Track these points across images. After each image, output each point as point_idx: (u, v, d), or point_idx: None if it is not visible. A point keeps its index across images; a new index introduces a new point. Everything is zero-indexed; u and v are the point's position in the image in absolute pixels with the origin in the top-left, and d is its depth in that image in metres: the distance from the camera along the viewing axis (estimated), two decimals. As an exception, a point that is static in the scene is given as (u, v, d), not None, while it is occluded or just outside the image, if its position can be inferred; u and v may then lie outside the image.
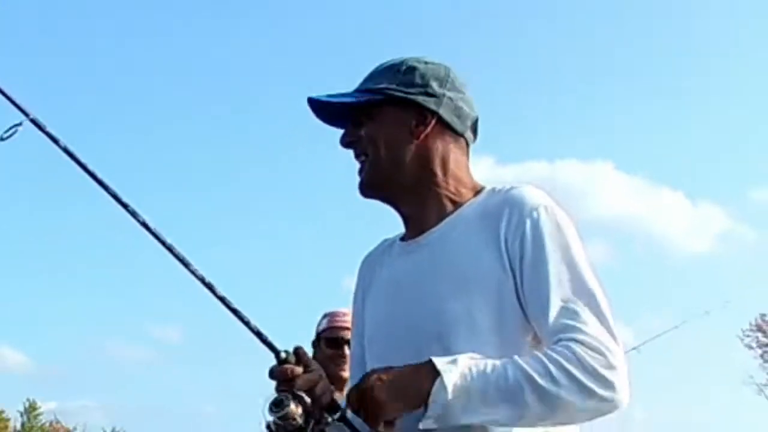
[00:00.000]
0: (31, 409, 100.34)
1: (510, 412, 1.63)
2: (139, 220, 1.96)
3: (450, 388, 1.59)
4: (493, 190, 1.93)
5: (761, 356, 51.62)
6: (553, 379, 1.60)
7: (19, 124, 2.21)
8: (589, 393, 1.60)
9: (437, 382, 1.60)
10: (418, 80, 1.91)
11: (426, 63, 1.96)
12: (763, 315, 52.24)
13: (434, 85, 1.92)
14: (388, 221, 2.16)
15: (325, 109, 1.99)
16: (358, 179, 1.97)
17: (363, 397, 1.69)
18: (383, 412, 1.67)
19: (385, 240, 2.16)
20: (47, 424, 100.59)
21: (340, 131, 2.03)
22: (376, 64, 2.02)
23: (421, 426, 1.63)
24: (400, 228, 2.10)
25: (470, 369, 1.65)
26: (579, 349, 1.62)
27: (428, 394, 1.61)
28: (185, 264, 1.91)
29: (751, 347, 51.48)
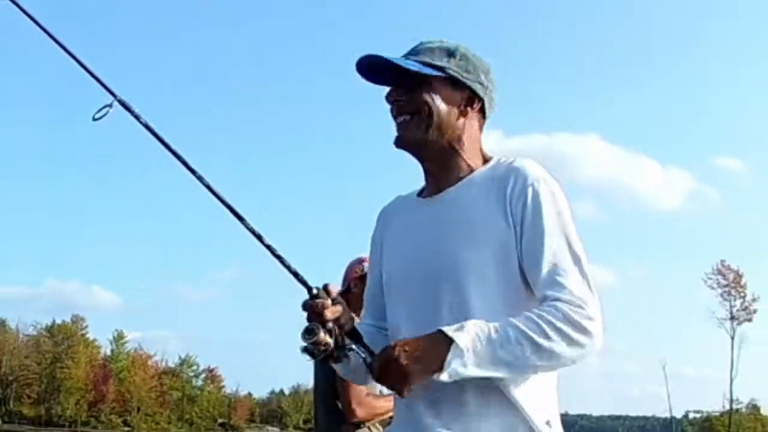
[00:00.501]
0: (118, 338, 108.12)
1: (512, 367, 1.87)
2: (204, 184, 2.16)
3: (463, 352, 1.82)
4: (499, 160, 2.17)
5: (721, 296, 54.42)
6: (546, 336, 1.84)
7: (110, 105, 2.36)
8: (575, 343, 1.86)
9: (452, 348, 1.82)
10: (470, 68, 2.13)
11: (473, 54, 2.18)
12: (722, 261, 54.89)
13: (482, 77, 2.15)
14: (402, 181, 2.45)
15: (376, 67, 2.14)
16: (396, 130, 2.15)
17: (389, 367, 1.90)
18: (410, 378, 1.89)
19: (400, 196, 2.39)
20: (132, 351, 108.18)
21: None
22: (421, 40, 2.20)
23: (441, 378, 1.86)
24: (411, 187, 2.35)
25: (477, 334, 1.86)
26: (564, 306, 1.87)
27: (445, 359, 1.83)
28: (241, 219, 2.12)
29: (713, 288, 55.39)
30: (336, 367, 2.24)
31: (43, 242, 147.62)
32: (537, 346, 1.87)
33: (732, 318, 65.82)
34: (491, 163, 2.19)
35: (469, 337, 1.87)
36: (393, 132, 2.21)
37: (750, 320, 65.84)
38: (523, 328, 1.89)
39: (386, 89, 2.21)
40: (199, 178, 2.19)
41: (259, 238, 2.14)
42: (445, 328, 1.89)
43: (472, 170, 2.17)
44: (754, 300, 66.15)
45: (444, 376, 1.88)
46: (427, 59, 2.11)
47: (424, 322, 2.04)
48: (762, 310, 68.53)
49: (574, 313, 1.89)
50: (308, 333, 2.01)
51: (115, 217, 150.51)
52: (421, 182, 2.34)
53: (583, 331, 1.89)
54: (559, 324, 1.87)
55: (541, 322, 1.88)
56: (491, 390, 2.00)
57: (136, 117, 2.34)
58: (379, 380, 2.05)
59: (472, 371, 1.87)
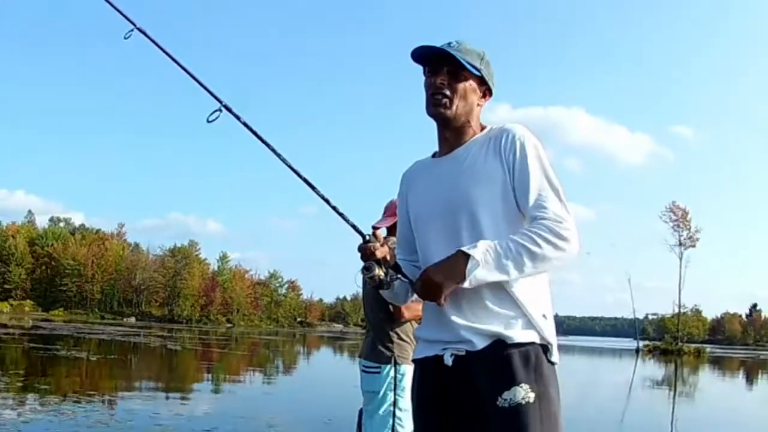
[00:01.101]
0: (223, 258, 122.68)
1: (514, 271, 2.10)
2: (291, 168, 2.44)
3: (478, 263, 2.08)
4: (492, 127, 2.40)
5: (672, 228, 69.79)
6: (537, 245, 2.09)
7: (219, 110, 2.60)
8: (558, 248, 2.11)
9: (469, 261, 2.08)
10: (490, 71, 2.40)
11: (489, 61, 2.40)
12: (673, 202, 70.56)
13: (493, 79, 2.42)
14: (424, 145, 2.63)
15: (428, 55, 2.35)
16: (434, 104, 2.32)
17: (427, 285, 2.18)
18: (442, 290, 2.15)
19: (417, 161, 2.59)
20: (233, 267, 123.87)
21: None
22: (460, 38, 2.37)
23: (464, 285, 2.11)
24: (425, 154, 2.55)
25: (487, 249, 2.10)
26: (548, 222, 2.12)
27: (465, 270, 2.08)
28: (314, 188, 2.42)
29: (666, 222, 73.70)
30: (382, 293, 2.45)
31: (170, 187, 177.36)
32: (531, 253, 2.08)
33: (680, 244, 73.54)
34: (486, 129, 2.40)
35: (481, 251, 2.08)
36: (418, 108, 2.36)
37: (694, 246, 74.22)
38: (520, 240, 2.10)
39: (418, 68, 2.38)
40: (288, 165, 2.42)
41: (327, 201, 2.41)
42: (463, 248, 2.11)
43: (474, 135, 2.37)
44: (696, 231, 74.55)
45: (466, 284, 2.10)
46: (469, 59, 2.31)
47: (449, 245, 2.23)
48: (703, 239, 76.10)
49: (555, 226, 2.10)
50: (366, 270, 2.29)
51: (223, 173, 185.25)
52: (429, 152, 2.52)
53: (563, 238, 2.11)
54: (545, 235, 2.09)
55: (532, 235, 2.10)
56: (499, 291, 2.19)
57: (237, 118, 2.55)
58: (421, 296, 2.26)
59: (486, 276, 2.09)
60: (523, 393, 2.07)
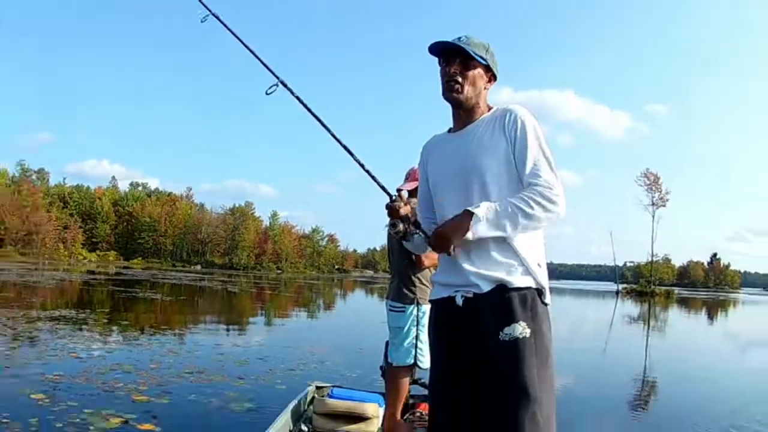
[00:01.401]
0: (274, 215, 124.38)
1: (510, 228, 2.15)
2: (327, 128, 2.56)
3: (480, 219, 2.13)
4: (497, 107, 2.40)
5: (646, 190, 71.05)
6: (531, 207, 2.14)
7: (276, 85, 2.64)
8: (547, 210, 2.16)
9: (473, 218, 2.14)
10: (494, 60, 2.41)
11: (493, 52, 2.41)
12: (647, 168, 69.83)
13: (497, 66, 2.42)
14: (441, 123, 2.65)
15: (444, 48, 2.37)
16: (449, 89, 2.36)
17: (439, 238, 2.25)
18: (451, 242, 2.21)
19: (435, 135, 2.59)
20: (282, 223, 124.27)
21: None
22: (468, 32, 2.37)
23: (467, 237, 2.16)
24: (441, 130, 2.56)
25: (488, 208, 2.15)
26: (540, 188, 2.16)
27: (469, 225, 2.14)
28: (351, 154, 2.54)
29: (641, 185, 73.35)
30: (405, 244, 2.53)
31: (231, 156, 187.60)
32: (525, 213, 2.13)
33: (653, 204, 74.45)
34: (493, 109, 2.40)
35: (483, 210, 2.14)
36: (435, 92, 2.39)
37: (664, 206, 75.51)
38: (516, 203, 2.15)
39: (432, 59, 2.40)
40: (332, 133, 2.52)
41: (362, 166, 2.50)
42: (469, 208, 2.17)
43: (483, 114, 2.39)
44: (666, 193, 75.81)
45: (469, 236, 2.15)
46: (476, 50, 2.34)
47: (460, 205, 2.26)
48: (672, 199, 77.98)
49: (546, 192, 2.15)
50: (392, 225, 2.35)
51: (275, 145, 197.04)
52: (445, 128, 2.53)
53: (552, 202, 2.16)
54: (537, 198, 2.14)
55: (527, 199, 2.14)
56: (502, 244, 2.23)
57: (291, 92, 2.59)
58: (434, 248, 2.31)
59: (486, 231, 2.15)
60: (521, 329, 2.16)
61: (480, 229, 2.14)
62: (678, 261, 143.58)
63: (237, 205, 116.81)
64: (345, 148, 2.53)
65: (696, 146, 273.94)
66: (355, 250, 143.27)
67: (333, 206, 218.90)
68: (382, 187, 2.46)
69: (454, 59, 2.34)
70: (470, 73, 2.35)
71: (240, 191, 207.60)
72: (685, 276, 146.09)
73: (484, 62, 2.37)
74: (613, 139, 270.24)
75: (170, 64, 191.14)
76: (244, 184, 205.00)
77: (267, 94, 2.63)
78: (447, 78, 2.36)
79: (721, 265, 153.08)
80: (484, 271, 2.23)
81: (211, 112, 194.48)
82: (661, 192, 75.08)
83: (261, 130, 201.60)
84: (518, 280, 2.22)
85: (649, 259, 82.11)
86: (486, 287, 2.22)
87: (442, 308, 2.38)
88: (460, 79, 2.34)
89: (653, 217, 75.05)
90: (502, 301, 2.20)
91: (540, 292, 2.27)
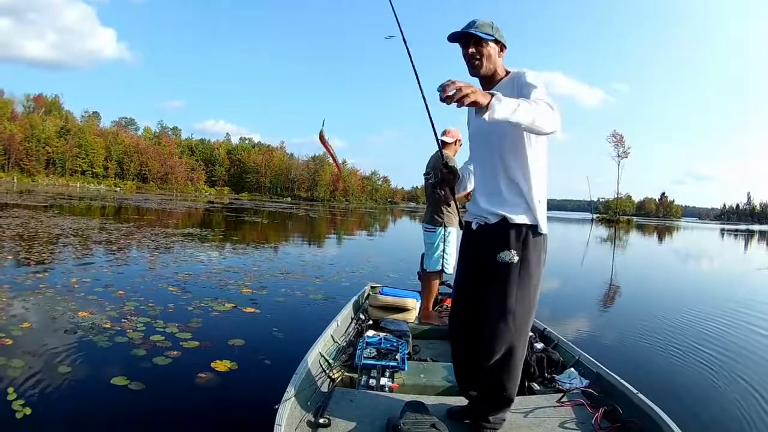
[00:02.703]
0: (344, 162, 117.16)
1: (524, 115, 1.85)
2: (425, 104, 2.44)
3: (500, 99, 1.82)
4: (513, 72, 2.27)
5: (613, 146, 74.54)
6: (541, 108, 1.91)
7: (394, 36, 2.56)
8: (551, 114, 1.92)
9: (494, 98, 1.80)
10: (500, 33, 2.27)
11: (498, 27, 2.28)
12: (615, 130, 69.37)
13: (504, 38, 2.29)
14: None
15: (459, 35, 2.25)
16: (472, 67, 2.26)
17: (466, 86, 1.76)
18: (470, 96, 1.76)
19: None
20: (350, 167, 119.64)
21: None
22: (474, 18, 2.26)
23: (485, 117, 1.80)
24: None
25: (507, 98, 1.85)
26: (547, 101, 1.97)
27: (491, 99, 1.80)
28: (426, 106, 2.44)
29: (609, 143, 73.17)
30: (435, 191, 2.72)
31: (314, 116, 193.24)
32: (537, 107, 1.90)
33: (618, 156, 75.58)
34: (510, 74, 2.28)
35: (502, 97, 1.84)
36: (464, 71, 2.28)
37: (626, 157, 76.53)
38: (531, 101, 1.94)
39: (455, 45, 2.27)
40: (424, 100, 2.42)
41: (433, 127, 2.51)
42: (493, 92, 1.83)
43: (501, 78, 2.28)
44: (629, 148, 76.69)
45: (486, 116, 1.79)
46: (485, 30, 2.23)
47: (485, 152, 2.27)
48: (632, 153, 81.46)
49: (550, 103, 1.96)
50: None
51: (348, 107, 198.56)
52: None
53: (554, 110, 1.94)
54: (546, 103, 1.95)
55: (539, 100, 1.95)
56: (511, 185, 2.19)
57: (405, 43, 2.52)
58: (453, 88, 1.75)
59: (502, 113, 1.81)
60: (511, 256, 2.15)
61: (498, 108, 1.81)
62: (636, 197, 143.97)
63: (317, 155, 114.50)
64: (427, 108, 2.45)
65: (651, 113, 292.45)
66: (402, 188, 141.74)
67: (388, 154, 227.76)
68: (436, 137, 2.62)
69: (470, 43, 2.24)
70: (485, 51, 2.24)
71: (320, 144, 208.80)
72: (642, 208, 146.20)
73: (492, 38, 2.25)
74: (590, 108, 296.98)
75: (285, 51, 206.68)
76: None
77: (386, 38, 2.57)
78: (468, 59, 2.26)
79: (668, 200, 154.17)
80: (493, 209, 2.20)
81: (300, 84, 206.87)
82: (624, 148, 76.36)
83: (339, 98, 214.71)
84: (518, 218, 2.17)
85: (615, 196, 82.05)
86: (493, 220, 2.20)
87: (466, 230, 2.40)
88: (478, 57, 2.24)
89: (618, 166, 77.02)
90: (502, 233, 2.18)
91: (535, 227, 2.18)
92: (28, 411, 2.87)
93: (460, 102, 1.75)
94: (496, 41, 2.28)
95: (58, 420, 2.86)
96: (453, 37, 2.27)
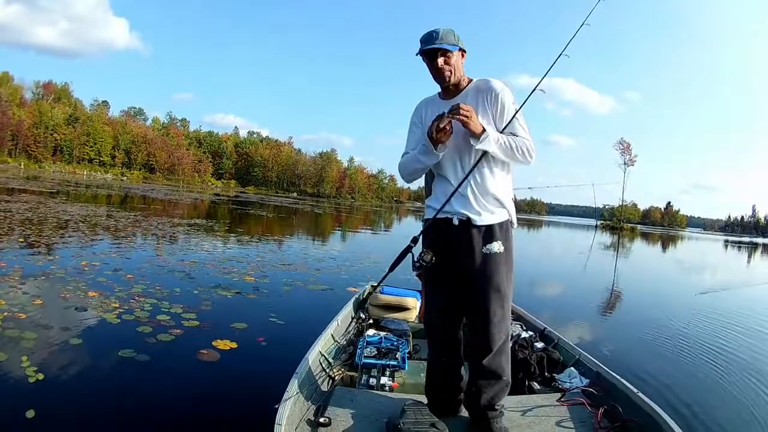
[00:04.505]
0: (351, 160, 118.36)
1: (504, 150, 2.19)
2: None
3: (489, 135, 2.14)
4: (478, 79, 2.32)
5: (620, 154, 71.92)
6: (520, 148, 2.21)
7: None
8: (527, 156, 2.22)
9: (485, 131, 2.14)
10: (462, 41, 2.27)
11: (458, 34, 2.25)
12: (622, 138, 66.56)
13: (463, 43, 2.27)
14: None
15: (431, 49, 2.21)
16: (442, 79, 2.25)
17: (465, 110, 2.10)
18: (474, 120, 2.12)
19: (426, 97, 2.43)
20: (357, 165, 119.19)
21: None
22: (437, 26, 2.22)
23: (476, 145, 2.15)
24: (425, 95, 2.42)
25: (495, 133, 2.18)
26: (527, 142, 2.21)
27: (482, 132, 2.14)
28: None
29: (616, 150, 72.50)
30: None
31: (324, 114, 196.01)
32: (518, 151, 2.20)
33: (625, 164, 73.42)
34: (474, 81, 2.32)
35: (494, 133, 2.17)
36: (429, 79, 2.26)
37: (633, 165, 74.26)
38: (514, 140, 2.19)
39: (419, 56, 2.23)
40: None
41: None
42: (485, 126, 2.14)
43: (465, 85, 2.31)
44: (635, 156, 74.52)
45: (476, 144, 2.15)
46: (450, 41, 2.22)
47: (456, 160, 2.29)
48: (639, 161, 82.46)
49: (529, 144, 2.21)
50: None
51: (357, 108, 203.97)
52: (429, 93, 2.41)
53: (531, 154, 2.23)
54: (526, 145, 2.20)
55: (519, 143, 2.19)
56: (487, 195, 2.26)
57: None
58: (446, 114, 2.11)
59: (488, 146, 2.15)
60: (498, 246, 2.25)
61: (486, 143, 2.14)
62: (642, 206, 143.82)
63: (324, 151, 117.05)
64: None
65: (658, 124, 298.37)
66: (408, 187, 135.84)
67: (395, 154, 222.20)
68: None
69: (437, 55, 2.21)
70: (452, 61, 2.24)
71: (327, 141, 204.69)
72: (647, 217, 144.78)
73: (456, 48, 2.24)
74: (600, 115, 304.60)
75: (293, 50, 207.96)
76: (331, 136, 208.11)
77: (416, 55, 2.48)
78: (437, 72, 2.24)
79: (673, 210, 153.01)
80: (478, 208, 2.25)
81: (312, 81, 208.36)
82: (631, 155, 74.71)
83: (347, 98, 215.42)
84: (499, 216, 2.27)
85: (620, 204, 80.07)
86: (477, 217, 2.24)
87: (444, 225, 2.31)
88: (449, 69, 2.24)
89: (624, 173, 75.28)
90: (488, 228, 2.25)
91: (510, 221, 2.32)
92: (40, 376, 3.09)
93: (461, 122, 2.09)
94: (461, 50, 2.28)
95: (68, 384, 3.07)
96: (423, 53, 2.24)
